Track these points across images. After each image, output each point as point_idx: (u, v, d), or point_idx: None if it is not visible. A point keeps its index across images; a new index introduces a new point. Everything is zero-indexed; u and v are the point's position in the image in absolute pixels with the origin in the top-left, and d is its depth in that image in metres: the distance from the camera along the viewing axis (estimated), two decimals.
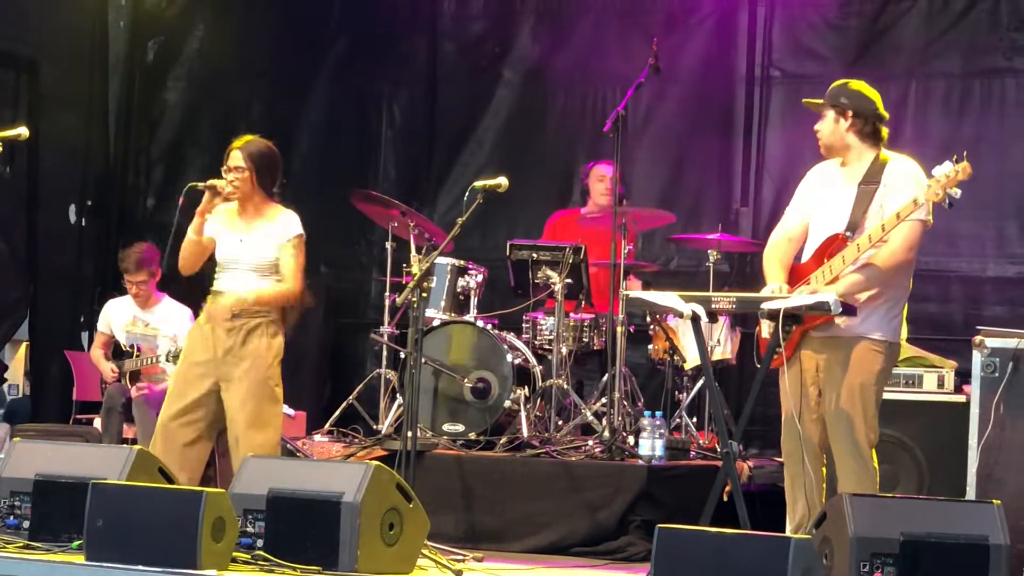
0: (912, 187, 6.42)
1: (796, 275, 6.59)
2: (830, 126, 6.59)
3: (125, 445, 7.78)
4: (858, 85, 6.63)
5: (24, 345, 11.16)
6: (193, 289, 8.19)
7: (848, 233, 6.47)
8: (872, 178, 6.51)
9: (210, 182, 7.30)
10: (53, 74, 11.19)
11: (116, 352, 9.34)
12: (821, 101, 6.64)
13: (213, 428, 7.32)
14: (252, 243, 7.32)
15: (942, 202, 6.29)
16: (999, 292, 9.74)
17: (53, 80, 11.18)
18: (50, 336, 11.15)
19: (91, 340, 10.35)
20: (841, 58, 10.01)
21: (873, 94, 6.60)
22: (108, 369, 9.23)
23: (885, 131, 6.63)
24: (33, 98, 11.00)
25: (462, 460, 8.30)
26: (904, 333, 6.62)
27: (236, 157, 7.31)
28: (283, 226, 7.34)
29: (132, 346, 9.24)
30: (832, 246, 6.50)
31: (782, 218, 6.81)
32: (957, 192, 6.29)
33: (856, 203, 6.50)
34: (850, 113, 6.55)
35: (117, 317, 9.41)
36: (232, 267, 7.35)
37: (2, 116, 10.34)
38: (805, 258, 6.64)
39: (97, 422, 9.30)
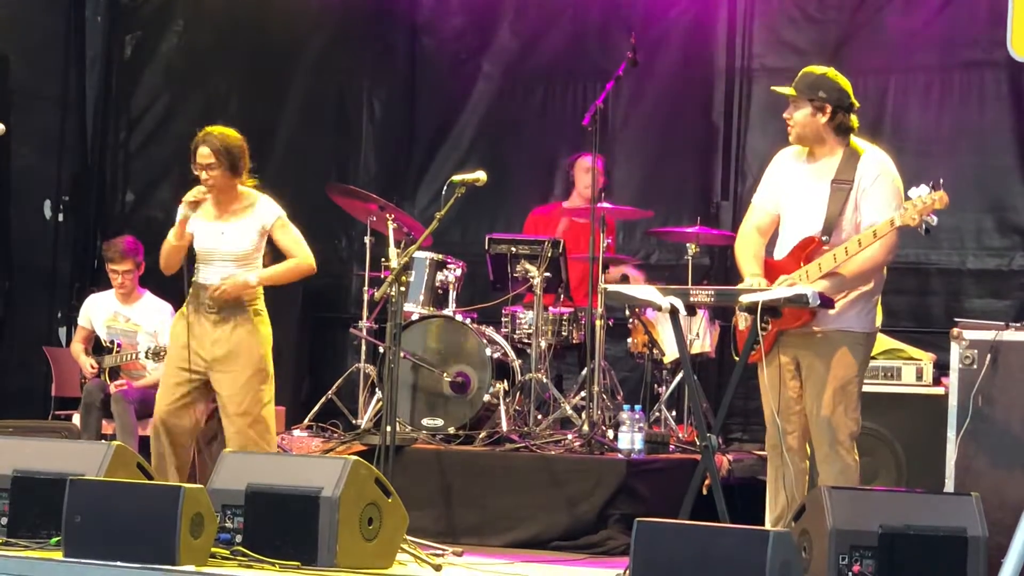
0: (886, 189, 6.41)
1: (771, 270, 6.55)
2: (806, 119, 6.51)
3: (104, 441, 7.77)
4: (833, 75, 6.54)
5: None
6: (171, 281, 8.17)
7: (824, 237, 6.44)
8: (845, 175, 6.46)
9: (190, 200, 7.32)
10: (25, 69, 11.14)
11: (96, 347, 9.29)
12: (792, 90, 6.55)
13: (204, 410, 7.53)
14: (232, 234, 7.39)
15: (918, 227, 6.27)
16: (979, 285, 9.74)
17: (25, 75, 11.13)
18: (27, 332, 11.10)
19: (70, 336, 10.31)
20: (821, 52, 9.96)
21: (845, 83, 6.54)
22: (88, 364, 9.18)
23: (855, 119, 6.58)
24: (3, 93, 10.95)
25: (441, 454, 8.29)
26: (879, 320, 6.61)
27: (205, 154, 7.35)
28: (261, 214, 7.46)
29: (112, 341, 9.19)
30: (809, 249, 6.46)
31: (749, 209, 6.79)
32: (934, 219, 6.25)
33: (831, 202, 6.45)
34: (829, 108, 6.47)
35: (98, 312, 9.36)
36: (212, 259, 7.38)
37: None
38: (779, 255, 6.61)
39: (76, 418, 9.26)
